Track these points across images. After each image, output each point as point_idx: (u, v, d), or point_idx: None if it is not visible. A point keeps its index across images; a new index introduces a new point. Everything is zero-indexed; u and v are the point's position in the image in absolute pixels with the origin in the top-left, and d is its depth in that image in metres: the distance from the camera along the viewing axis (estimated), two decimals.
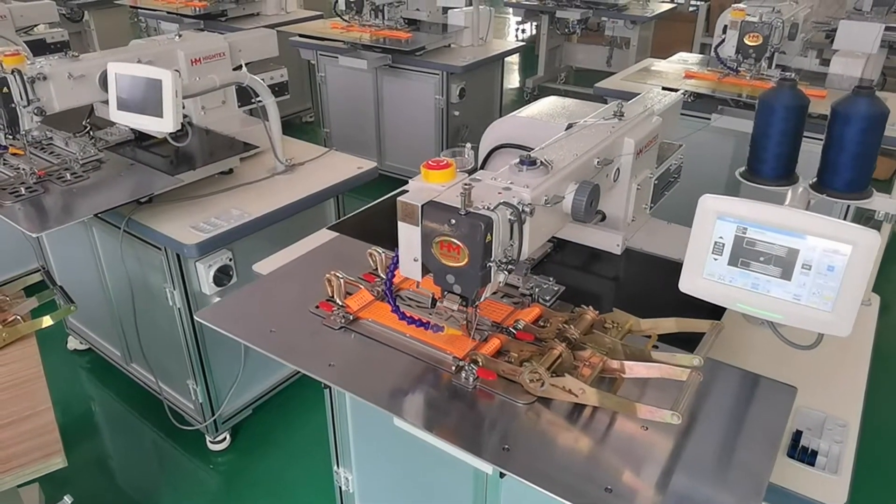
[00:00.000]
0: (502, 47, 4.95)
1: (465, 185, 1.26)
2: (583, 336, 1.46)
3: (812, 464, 1.31)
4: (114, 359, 3.10)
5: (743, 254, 1.20)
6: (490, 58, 4.70)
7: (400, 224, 1.34)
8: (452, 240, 1.25)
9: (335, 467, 2.20)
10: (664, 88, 3.42)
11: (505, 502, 1.74)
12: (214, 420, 2.71)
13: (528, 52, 7.74)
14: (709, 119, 3.33)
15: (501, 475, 1.21)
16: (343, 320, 1.57)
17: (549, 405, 1.34)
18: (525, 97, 7.26)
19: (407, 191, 1.35)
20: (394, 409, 1.36)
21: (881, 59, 5.08)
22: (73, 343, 3.36)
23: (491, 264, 1.28)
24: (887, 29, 4.75)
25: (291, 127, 6.11)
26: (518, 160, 1.42)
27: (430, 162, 1.37)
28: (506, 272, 1.33)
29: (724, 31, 3.46)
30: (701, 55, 4.26)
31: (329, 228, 2.07)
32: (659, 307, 1.52)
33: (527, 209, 1.31)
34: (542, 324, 1.54)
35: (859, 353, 1.63)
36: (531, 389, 1.34)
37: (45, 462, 1.45)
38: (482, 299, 1.36)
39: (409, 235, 1.33)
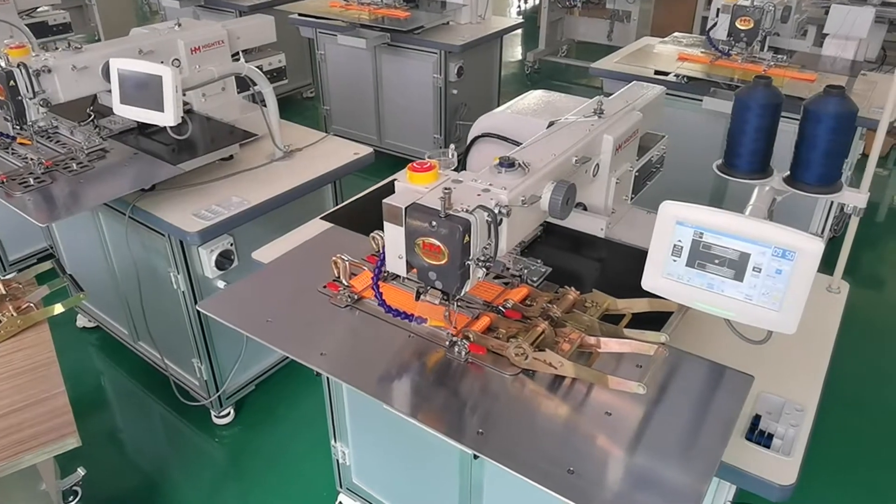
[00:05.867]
0: (501, 24, 4.95)
1: (446, 188, 1.35)
2: (564, 314, 1.60)
3: (768, 446, 1.41)
4: (121, 337, 3.23)
5: (700, 256, 1.29)
6: (488, 35, 4.71)
7: (386, 224, 1.43)
8: (433, 240, 1.35)
9: (332, 441, 2.33)
10: (656, 72, 3.50)
11: (488, 477, 1.87)
12: (219, 396, 2.84)
13: (529, 24, 7.72)
14: (700, 101, 3.38)
15: (475, 456, 1.32)
16: (349, 299, 1.71)
17: (533, 377, 1.49)
18: (525, 70, 7.27)
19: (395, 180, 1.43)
20: (382, 397, 1.47)
21: (881, 35, 5.07)
22: (81, 321, 3.49)
23: (470, 262, 1.38)
24: (886, 5, 4.75)
25: (292, 103, 6.14)
26: (498, 161, 1.51)
27: (414, 164, 1.46)
28: (484, 269, 1.42)
29: (717, 14, 3.48)
30: (696, 35, 4.27)
31: (323, 218, 2.15)
32: (636, 289, 1.57)
33: (503, 210, 1.39)
34: (528, 303, 1.67)
35: (823, 340, 1.72)
36: (516, 362, 1.49)
37: (60, 442, 1.57)
38: (462, 294, 1.45)
39: (394, 235, 1.43)
